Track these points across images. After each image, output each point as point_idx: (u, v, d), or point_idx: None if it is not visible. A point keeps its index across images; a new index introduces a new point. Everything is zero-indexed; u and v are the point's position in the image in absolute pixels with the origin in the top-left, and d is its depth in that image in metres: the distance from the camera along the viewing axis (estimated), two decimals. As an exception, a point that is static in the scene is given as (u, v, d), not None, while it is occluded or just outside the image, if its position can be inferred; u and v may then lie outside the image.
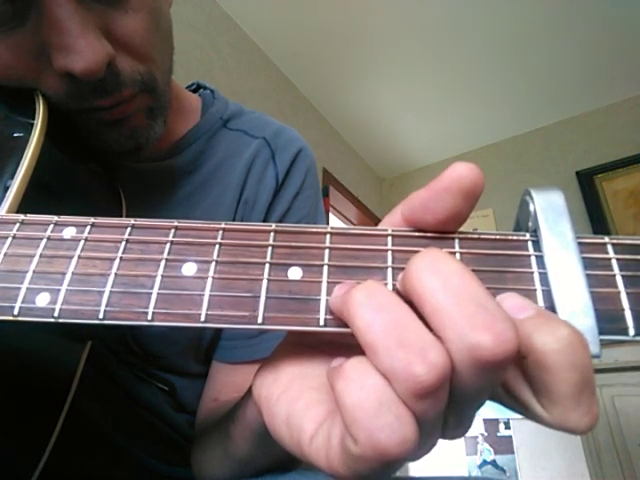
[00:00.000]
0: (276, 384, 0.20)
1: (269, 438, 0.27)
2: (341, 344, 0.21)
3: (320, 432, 0.17)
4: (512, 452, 2.04)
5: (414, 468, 2.21)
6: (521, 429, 2.05)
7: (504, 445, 2.07)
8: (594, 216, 2.27)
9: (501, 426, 2.10)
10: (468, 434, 1.98)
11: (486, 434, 2.12)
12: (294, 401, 0.19)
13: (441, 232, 0.19)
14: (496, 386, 0.15)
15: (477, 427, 2.13)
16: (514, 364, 0.16)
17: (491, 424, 2.12)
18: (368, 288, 0.16)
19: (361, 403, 0.15)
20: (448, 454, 2.13)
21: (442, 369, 0.14)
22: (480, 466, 2.08)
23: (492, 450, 2.09)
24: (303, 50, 2.20)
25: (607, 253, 0.18)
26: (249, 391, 0.27)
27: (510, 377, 0.16)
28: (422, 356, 0.14)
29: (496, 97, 2.49)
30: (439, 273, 0.15)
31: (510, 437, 2.06)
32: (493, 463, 2.06)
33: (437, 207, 0.18)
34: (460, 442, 2.14)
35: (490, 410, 2.11)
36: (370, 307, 0.15)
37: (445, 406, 0.15)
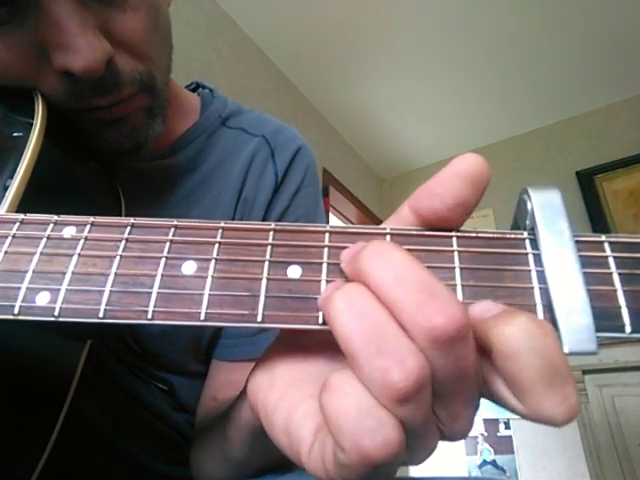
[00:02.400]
0: (273, 391, 0.20)
1: (265, 440, 0.27)
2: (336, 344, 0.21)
3: (317, 443, 0.17)
4: (512, 452, 2.04)
5: (414, 468, 2.21)
6: (521, 429, 2.05)
7: (504, 445, 2.07)
8: (594, 216, 2.27)
9: (501, 426, 2.10)
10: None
11: (486, 434, 2.12)
12: (292, 410, 0.19)
13: (443, 226, 0.19)
14: (466, 369, 0.16)
15: (477, 427, 2.13)
16: (487, 359, 0.16)
17: (491, 424, 2.12)
18: (347, 294, 0.16)
19: (343, 410, 0.15)
20: (448, 454, 2.13)
21: (419, 374, 0.14)
22: (480, 466, 2.08)
23: (492, 450, 2.09)
24: (303, 50, 2.20)
25: (604, 251, 0.18)
26: (244, 392, 0.27)
27: (486, 373, 0.17)
28: (400, 363, 0.15)
29: (496, 97, 2.49)
30: (388, 264, 0.16)
31: (510, 437, 2.06)
32: (493, 463, 2.06)
33: (445, 192, 0.18)
34: (460, 442, 2.14)
35: (490, 410, 2.11)
36: (350, 315, 0.16)
37: (430, 405, 0.16)
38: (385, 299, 0.16)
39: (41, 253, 0.21)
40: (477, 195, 0.18)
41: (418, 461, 0.17)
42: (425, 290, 0.15)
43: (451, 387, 0.16)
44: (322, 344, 0.21)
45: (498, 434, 2.09)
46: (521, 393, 0.15)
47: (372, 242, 0.17)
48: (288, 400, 0.19)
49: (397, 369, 0.14)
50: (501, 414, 2.10)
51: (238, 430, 0.29)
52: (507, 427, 2.08)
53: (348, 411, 0.15)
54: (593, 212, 2.29)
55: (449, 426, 0.17)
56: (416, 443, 0.16)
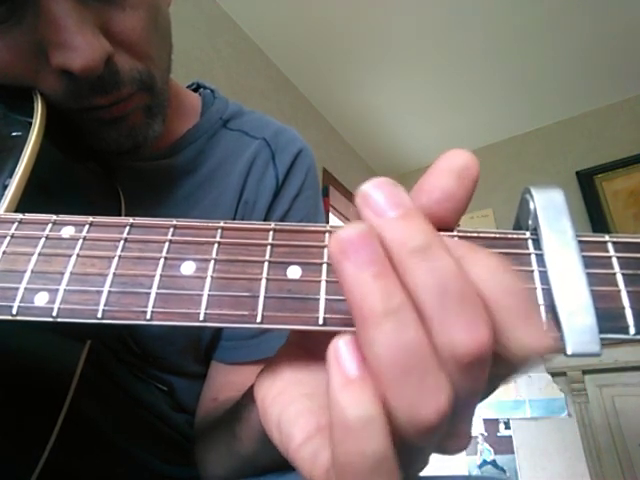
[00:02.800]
0: (273, 387, 0.20)
1: None
2: None
3: (309, 446, 0.17)
4: (512, 452, 2.04)
5: (414, 468, 2.20)
6: (521, 429, 2.05)
7: (504, 445, 2.07)
8: (594, 216, 2.27)
9: (501, 426, 2.10)
10: (468, 434, 1.98)
11: (486, 434, 2.12)
12: (286, 405, 0.19)
13: (440, 225, 0.19)
14: (480, 385, 0.15)
15: (477, 427, 2.13)
16: None
17: (491, 424, 2.12)
18: (398, 318, 0.15)
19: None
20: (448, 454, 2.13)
21: (447, 409, 0.14)
22: (480, 466, 2.08)
23: (492, 450, 2.09)
24: (303, 50, 2.20)
25: (607, 251, 0.18)
26: (252, 392, 0.27)
27: None
28: (433, 398, 0.14)
29: (496, 97, 2.49)
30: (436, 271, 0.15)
31: (510, 437, 2.06)
32: (493, 463, 2.06)
33: (429, 186, 0.18)
34: (460, 442, 2.14)
35: (490, 410, 2.11)
36: (394, 339, 0.14)
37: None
38: (423, 312, 0.15)
39: (39, 253, 0.20)
40: (464, 188, 0.18)
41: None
42: (464, 309, 0.14)
43: (461, 405, 0.15)
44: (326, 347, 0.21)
45: (498, 434, 2.09)
46: (501, 339, 0.15)
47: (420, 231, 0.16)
48: (284, 396, 0.19)
49: (427, 404, 0.14)
50: (501, 414, 2.10)
51: (248, 428, 0.29)
52: (507, 427, 2.08)
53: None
54: (593, 212, 2.29)
55: (451, 444, 0.17)
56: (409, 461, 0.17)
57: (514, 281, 0.15)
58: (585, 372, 1.80)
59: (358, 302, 0.15)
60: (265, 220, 0.48)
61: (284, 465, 0.33)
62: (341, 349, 0.16)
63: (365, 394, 0.14)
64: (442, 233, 0.19)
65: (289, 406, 0.19)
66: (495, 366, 0.15)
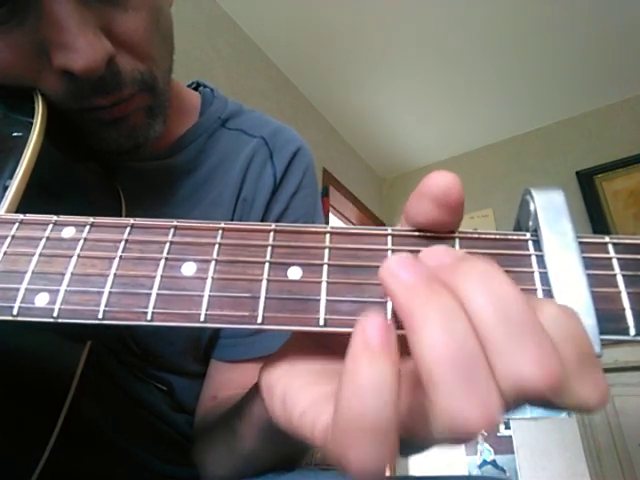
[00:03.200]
0: (278, 369, 0.21)
1: (275, 435, 0.27)
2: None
3: (312, 409, 0.18)
4: (512, 452, 2.04)
5: (414, 468, 2.21)
6: (521, 429, 2.05)
7: (504, 445, 2.07)
8: (594, 216, 2.27)
9: (501, 426, 2.10)
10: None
11: (486, 434, 2.11)
12: (292, 380, 0.19)
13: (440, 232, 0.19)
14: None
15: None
16: None
17: (491, 424, 2.12)
18: (444, 307, 0.14)
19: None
20: (448, 454, 2.13)
21: (496, 422, 0.13)
22: (480, 466, 2.08)
23: (492, 450, 2.09)
24: (303, 50, 2.20)
25: (608, 253, 0.18)
26: (255, 388, 0.27)
27: None
28: (485, 409, 0.13)
29: (496, 97, 2.49)
30: (492, 293, 0.14)
31: (510, 437, 2.06)
32: (493, 463, 2.06)
33: (415, 214, 0.19)
34: (460, 442, 2.14)
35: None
36: (444, 334, 0.14)
37: None
38: (480, 332, 0.14)
39: (40, 254, 0.20)
40: (449, 214, 0.18)
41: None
42: (529, 337, 0.14)
43: None
44: (333, 343, 0.21)
45: (498, 434, 2.09)
46: None
47: (474, 259, 0.15)
48: (289, 374, 0.20)
49: (480, 414, 0.13)
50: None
51: (249, 425, 0.29)
52: (507, 427, 2.08)
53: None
54: (593, 212, 2.29)
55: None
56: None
57: (581, 330, 0.15)
58: (585, 372, 1.80)
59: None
60: (263, 218, 0.48)
61: (283, 465, 0.33)
62: (370, 323, 0.15)
63: (386, 362, 0.14)
64: (443, 235, 0.19)
65: (294, 380, 0.19)
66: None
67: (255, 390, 0.28)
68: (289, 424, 0.19)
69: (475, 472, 2.07)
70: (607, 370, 1.74)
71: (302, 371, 0.20)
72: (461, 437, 0.13)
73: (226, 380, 0.44)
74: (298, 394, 0.19)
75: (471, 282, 0.15)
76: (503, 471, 2.03)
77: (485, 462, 2.08)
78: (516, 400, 0.14)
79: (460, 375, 0.13)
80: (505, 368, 0.13)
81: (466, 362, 0.13)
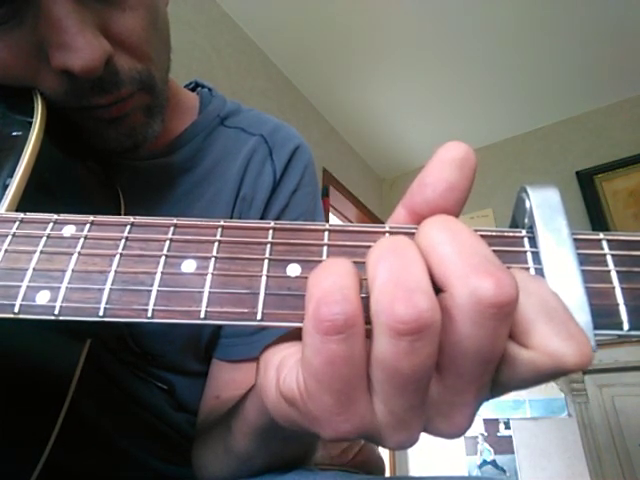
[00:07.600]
0: (278, 346, 0.21)
1: (269, 434, 0.27)
2: None
3: (295, 365, 0.18)
4: (512, 452, 2.04)
5: (414, 468, 2.21)
6: (521, 429, 2.05)
7: (504, 445, 2.07)
8: (594, 216, 2.28)
9: (501, 426, 2.10)
10: (468, 434, 1.98)
11: (486, 434, 2.12)
12: (289, 356, 0.19)
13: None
14: (492, 346, 0.15)
15: (477, 427, 2.13)
16: None
17: (491, 424, 2.12)
18: (395, 239, 0.17)
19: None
20: (448, 454, 2.13)
21: (424, 315, 0.14)
22: (480, 466, 2.08)
23: (492, 450, 2.09)
24: (303, 50, 2.20)
25: (602, 249, 0.18)
26: (252, 387, 0.27)
27: None
28: (408, 297, 0.15)
29: (496, 97, 2.49)
30: (448, 229, 0.17)
31: (510, 437, 2.07)
32: (493, 463, 2.07)
33: (433, 179, 0.19)
34: (460, 442, 2.14)
35: (490, 410, 2.11)
36: (388, 248, 0.17)
37: (429, 367, 0.16)
38: (437, 258, 0.16)
39: (41, 252, 0.21)
40: (465, 178, 0.19)
41: (388, 445, 0.18)
42: (480, 255, 0.16)
43: (467, 356, 0.15)
44: None
45: (498, 434, 2.09)
46: (525, 335, 0.15)
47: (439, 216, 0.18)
48: (288, 350, 0.20)
49: (403, 301, 0.15)
50: (501, 414, 2.10)
51: (244, 424, 0.29)
52: (507, 427, 2.08)
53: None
54: (593, 212, 2.29)
55: (446, 407, 0.17)
56: (389, 425, 0.17)
57: (545, 288, 0.16)
58: (585, 372, 1.80)
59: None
60: (263, 216, 0.48)
61: (279, 468, 0.33)
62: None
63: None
64: None
65: (290, 348, 0.20)
66: (504, 371, 0.16)
67: (250, 391, 0.28)
68: (277, 384, 0.19)
69: (475, 472, 2.07)
70: (607, 370, 1.74)
71: (298, 348, 0.20)
72: (398, 329, 0.15)
73: (228, 380, 0.44)
74: (290, 359, 0.19)
75: (429, 224, 0.17)
76: (503, 471, 2.03)
77: (485, 462, 2.08)
78: (476, 316, 0.15)
79: (392, 276, 0.15)
80: (460, 282, 0.15)
81: (399, 267, 0.16)
